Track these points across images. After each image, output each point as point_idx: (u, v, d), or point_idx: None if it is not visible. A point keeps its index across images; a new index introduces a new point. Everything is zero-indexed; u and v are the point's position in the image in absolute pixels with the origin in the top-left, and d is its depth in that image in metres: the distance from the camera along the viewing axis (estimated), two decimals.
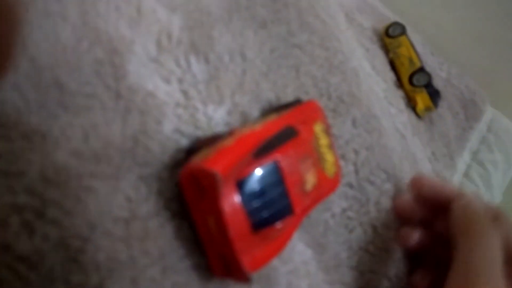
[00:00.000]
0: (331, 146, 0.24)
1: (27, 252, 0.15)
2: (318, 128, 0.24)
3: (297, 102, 0.25)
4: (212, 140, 0.20)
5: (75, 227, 0.17)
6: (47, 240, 0.16)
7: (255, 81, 0.26)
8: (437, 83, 0.46)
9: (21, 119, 0.17)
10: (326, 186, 0.24)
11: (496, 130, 0.47)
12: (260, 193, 0.18)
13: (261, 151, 0.19)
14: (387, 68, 0.42)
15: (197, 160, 0.18)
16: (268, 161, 0.19)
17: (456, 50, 0.53)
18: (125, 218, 0.18)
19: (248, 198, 0.18)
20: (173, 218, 0.19)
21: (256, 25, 0.28)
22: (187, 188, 0.18)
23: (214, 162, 0.17)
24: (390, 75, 0.42)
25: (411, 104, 0.42)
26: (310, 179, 0.21)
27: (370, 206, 0.29)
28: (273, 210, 0.19)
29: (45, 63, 0.18)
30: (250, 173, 0.18)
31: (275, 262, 0.23)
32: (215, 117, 0.23)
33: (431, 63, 0.49)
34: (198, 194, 0.18)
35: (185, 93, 0.22)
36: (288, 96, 0.28)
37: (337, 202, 0.28)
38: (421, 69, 0.42)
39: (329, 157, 0.24)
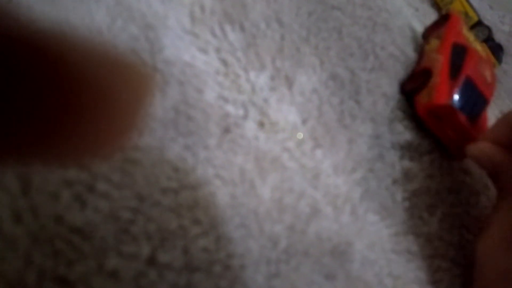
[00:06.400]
0: (477, 39, 0.31)
1: (79, 224, 0.15)
2: (465, 31, 0.30)
3: (443, 19, 0.31)
4: (415, 78, 0.28)
5: (124, 199, 0.16)
6: (98, 212, 0.16)
7: (295, 45, 0.25)
8: (499, 37, 0.42)
9: None
10: (494, 72, 0.30)
11: None
12: (467, 100, 0.26)
13: (454, 73, 0.26)
14: None
15: (427, 101, 0.26)
16: (463, 78, 0.26)
17: None
18: (173, 188, 0.17)
19: (462, 106, 0.26)
20: (225, 186, 0.19)
21: None
22: (427, 119, 0.26)
23: (441, 98, 0.25)
24: None
25: None
26: (487, 74, 0.29)
27: (433, 169, 0.27)
28: (478, 107, 0.27)
29: None
30: (456, 91, 0.26)
31: (351, 237, 0.22)
32: (259, 82, 0.22)
33: (490, 18, 0.44)
34: (435, 119, 0.26)
35: (223, 61, 0.21)
36: (332, 59, 0.26)
37: (397, 164, 0.26)
38: (479, 23, 0.38)
39: (480, 48, 0.30)
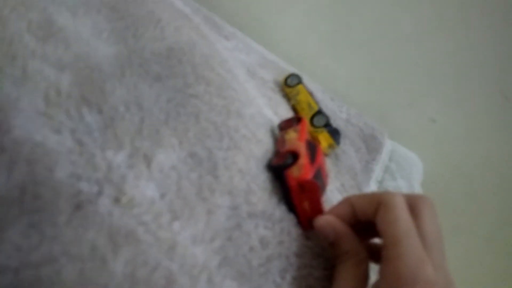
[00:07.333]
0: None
1: None
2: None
3: (296, 119, 0.39)
4: (282, 157, 0.34)
5: None
6: None
7: (155, 127, 0.27)
8: (339, 123, 0.51)
9: None
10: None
11: (396, 159, 0.52)
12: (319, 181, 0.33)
13: (312, 159, 0.33)
14: (290, 113, 0.46)
15: (297, 175, 0.32)
16: (317, 166, 0.33)
17: (353, 94, 0.59)
18: (13, 267, 0.17)
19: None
20: (72, 263, 0.19)
21: (151, 79, 0.30)
22: (294, 190, 0.32)
23: (308, 175, 0.31)
24: None
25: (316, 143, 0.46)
26: (327, 166, 0.37)
27: (283, 236, 0.30)
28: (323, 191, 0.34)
29: None
30: (315, 172, 0.32)
31: None
32: (116, 160, 0.23)
33: (332, 107, 0.54)
34: (300, 191, 0.31)
35: (78, 141, 0.22)
36: (191, 140, 0.29)
37: (253, 233, 0.29)
38: (319, 112, 0.46)
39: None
